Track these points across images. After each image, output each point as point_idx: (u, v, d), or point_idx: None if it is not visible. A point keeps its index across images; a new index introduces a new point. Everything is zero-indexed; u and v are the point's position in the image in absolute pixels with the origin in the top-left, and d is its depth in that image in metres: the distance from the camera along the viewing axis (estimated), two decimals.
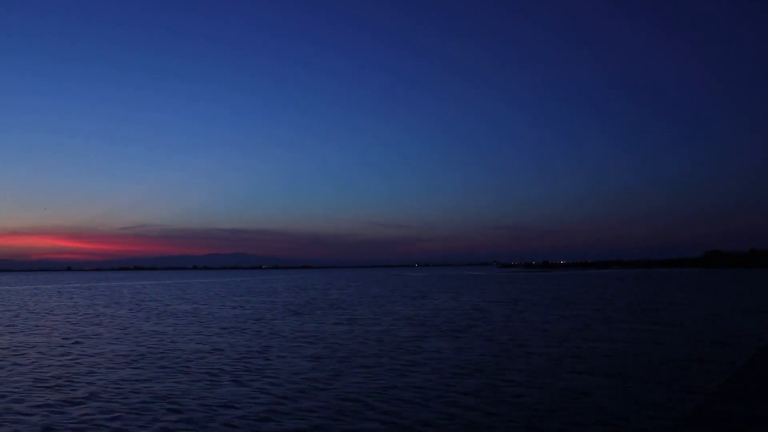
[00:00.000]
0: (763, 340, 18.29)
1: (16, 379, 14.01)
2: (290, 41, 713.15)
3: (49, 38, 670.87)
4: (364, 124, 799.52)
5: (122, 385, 13.01)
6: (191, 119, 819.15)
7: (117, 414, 10.45)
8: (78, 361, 16.71)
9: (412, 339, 20.45)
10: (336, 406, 10.86)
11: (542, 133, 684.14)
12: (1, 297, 58.88)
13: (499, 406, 10.63)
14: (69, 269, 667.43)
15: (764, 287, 56.78)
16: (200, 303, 43.81)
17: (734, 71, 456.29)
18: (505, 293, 52.16)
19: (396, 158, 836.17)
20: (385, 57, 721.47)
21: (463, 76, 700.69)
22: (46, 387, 12.97)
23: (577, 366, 14.71)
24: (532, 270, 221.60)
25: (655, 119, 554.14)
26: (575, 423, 9.50)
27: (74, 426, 9.73)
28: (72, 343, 20.60)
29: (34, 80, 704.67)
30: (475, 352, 17.21)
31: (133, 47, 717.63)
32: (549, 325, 24.24)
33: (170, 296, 55.20)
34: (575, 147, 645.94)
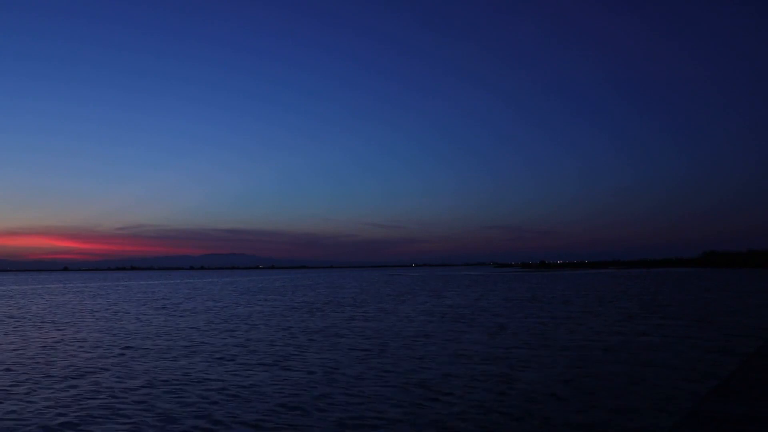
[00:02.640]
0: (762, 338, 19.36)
1: (90, 371, 15.08)
2: (286, 43, 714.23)
3: (46, 41, 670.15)
4: (360, 126, 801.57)
5: (196, 377, 14.10)
6: (188, 120, 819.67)
7: (205, 401, 11.56)
8: (141, 354, 17.78)
9: (442, 332, 21.56)
10: (421, 395, 11.95)
11: (538, 134, 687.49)
12: (18, 297, 59.69)
13: (525, 394, 11.79)
14: (66, 269, 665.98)
15: (764, 286, 58.02)
16: (217, 301, 44.78)
17: (730, 72, 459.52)
18: (512, 291, 53.27)
19: (392, 159, 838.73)
20: (381, 59, 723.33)
21: (458, 77, 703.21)
22: (116, 378, 14.06)
23: (600, 358, 15.88)
24: (529, 270, 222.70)
25: (651, 119, 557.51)
26: (601, 408, 10.66)
27: (188, 412, 10.82)
28: (126, 339, 21.65)
29: (31, 82, 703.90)
30: (507, 345, 18.32)
31: (130, 49, 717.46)
32: (564, 321, 25.38)
33: (183, 296, 56.13)
34: (571, 147, 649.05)
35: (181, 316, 30.97)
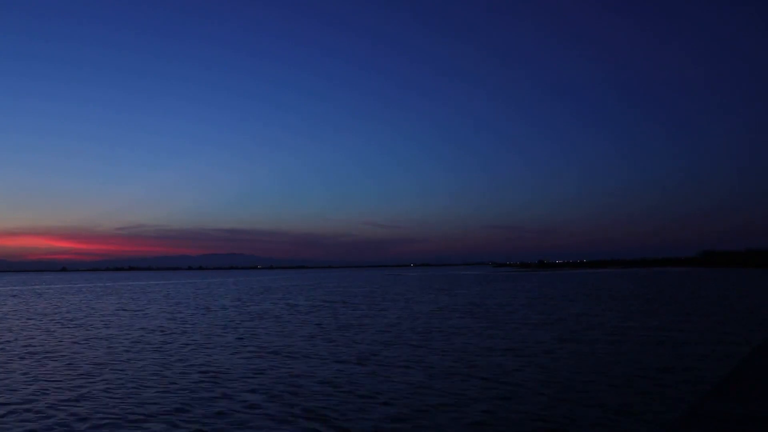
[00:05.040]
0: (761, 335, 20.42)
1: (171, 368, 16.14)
2: (284, 44, 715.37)
3: (44, 41, 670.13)
4: (359, 126, 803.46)
5: (262, 371, 15.18)
6: (186, 121, 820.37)
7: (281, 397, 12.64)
8: (194, 349, 18.83)
9: (467, 328, 22.66)
10: (476, 384, 13.08)
11: (537, 134, 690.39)
12: (28, 296, 60.54)
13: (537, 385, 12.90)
14: (64, 269, 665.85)
15: (762, 285, 59.20)
16: (238, 300, 45.72)
17: (728, 72, 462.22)
18: (519, 290, 54.33)
19: (391, 159, 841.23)
20: (379, 59, 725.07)
21: (456, 77, 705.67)
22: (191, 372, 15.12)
23: (623, 350, 17.03)
24: (528, 270, 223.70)
25: (648, 120, 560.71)
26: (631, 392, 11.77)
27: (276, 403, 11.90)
28: (168, 337, 22.70)
29: (30, 83, 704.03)
30: (536, 340, 19.43)
31: (130, 50, 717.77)
32: (577, 318, 26.49)
33: (194, 295, 57.05)
34: (570, 148, 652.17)
35: (203, 314, 31.95)
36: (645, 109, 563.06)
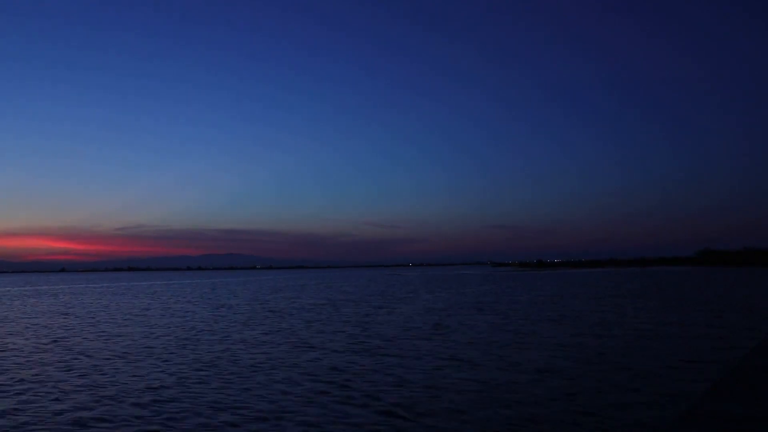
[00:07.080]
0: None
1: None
2: (283, 45, 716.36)
3: (44, 44, 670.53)
4: (356, 126, 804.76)
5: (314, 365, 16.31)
6: (185, 122, 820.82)
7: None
8: (237, 345, 19.94)
9: (481, 324, 23.80)
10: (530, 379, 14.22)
11: (535, 134, 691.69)
12: (43, 296, 61.43)
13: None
14: (63, 270, 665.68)
15: (761, 284, 60.30)
16: (251, 299, 46.73)
17: (725, 72, 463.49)
18: (521, 289, 55.37)
19: (388, 159, 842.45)
20: (378, 60, 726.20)
21: (453, 78, 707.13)
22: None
23: (643, 344, 18.17)
24: (527, 269, 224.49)
25: (646, 120, 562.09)
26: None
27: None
28: (201, 335, 23.78)
29: (30, 84, 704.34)
30: (572, 333, 20.59)
31: (128, 52, 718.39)
32: (585, 315, 27.64)
33: (205, 294, 58.01)
34: (568, 147, 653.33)
35: (221, 312, 32.99)
36: (645, 109, 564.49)
